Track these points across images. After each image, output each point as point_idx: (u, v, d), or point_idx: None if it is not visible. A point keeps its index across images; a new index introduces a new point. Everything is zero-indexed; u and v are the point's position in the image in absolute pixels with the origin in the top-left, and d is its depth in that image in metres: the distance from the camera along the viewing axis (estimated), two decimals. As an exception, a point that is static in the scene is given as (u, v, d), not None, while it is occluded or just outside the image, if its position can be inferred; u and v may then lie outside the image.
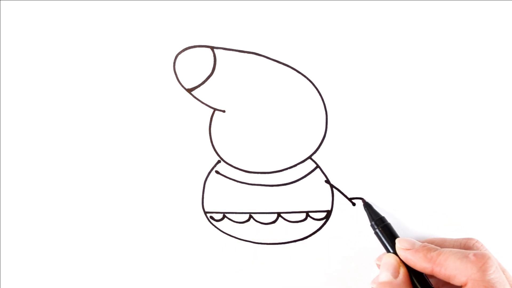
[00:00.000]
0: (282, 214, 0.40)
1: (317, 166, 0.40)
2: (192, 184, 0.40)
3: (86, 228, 0.41)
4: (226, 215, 0.41)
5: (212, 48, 0.39)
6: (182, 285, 0.41)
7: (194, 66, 0.39)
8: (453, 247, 0.37)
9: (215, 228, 0.41)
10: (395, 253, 0.37)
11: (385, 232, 0.38)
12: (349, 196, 0.40)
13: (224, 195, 0.40)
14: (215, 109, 0.40)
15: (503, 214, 0.40)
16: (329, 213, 0.40)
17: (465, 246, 0.37)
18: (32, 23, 0.39)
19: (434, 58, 0.39)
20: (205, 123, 0.40)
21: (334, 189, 0.40)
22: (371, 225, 0.39)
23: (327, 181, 0.40)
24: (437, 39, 0.39)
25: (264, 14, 0.38)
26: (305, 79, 0.39)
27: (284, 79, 0.39)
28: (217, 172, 0.40)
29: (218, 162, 0.40)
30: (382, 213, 0.39)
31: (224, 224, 0.41)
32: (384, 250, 0.38)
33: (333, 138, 0.40)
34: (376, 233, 0.39)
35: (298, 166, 0.40)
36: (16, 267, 0.41)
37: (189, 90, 0.39)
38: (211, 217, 0.41)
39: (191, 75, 0.39)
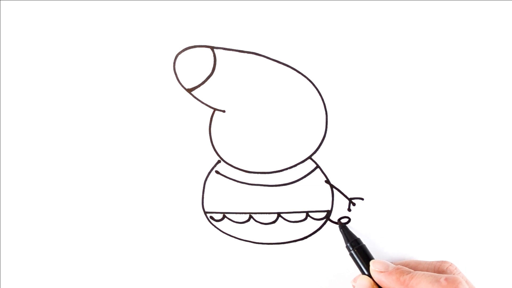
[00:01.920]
0: (282, 214, 0.40)
1: (317, 166, 0.40)
2: (192, 184, 0.40)
3: (86, 228, 0.41)
4: (226, 215, 0.41)
5: (212, 48, 0.39)
6: (182, 285, 0.41)
7: (194, 66, 0.39)
8: (427, 270, 0.37)
9: (215, 228, 0.41)
10: (369, 275, 0.37)
11: (360, 253, 0.38)
12: (349, 196, 0.40)
13: (224, 195, 0.40)
14: (215, 109, 0.40)
15: (502, 217, 0.40)
16: (329, 213, 0.40)
17: (439, 269, 0.37)
18: (32, 23, 0.39)
19: (433, 58, 0.39)
20: (205, 123, 0.40)
21: (334, 189, 0.40)
22: (346, 247, 0.39)
23: (327, 181, 0.40)
24: (437, 40, 0.39)
25: (264, 14, 0.38)
26: (305, 79, 0.39)
27: (284, 79, 0.39)
28: (217, 172, 0.40)
29: (218, 162, 0.40)
30: (358, 235, 0.39)
31: (224, 224, 0.41)
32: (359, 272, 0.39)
33: (333, 138, 0.40)
34: (351, 254, 0.39)
35: (298, 166, 0.40)
36: (16, 267, 0.41)
37: (189, 90, 0.39)
38: (211, 217, 0.41)
39: (191, 75, 0.39)
